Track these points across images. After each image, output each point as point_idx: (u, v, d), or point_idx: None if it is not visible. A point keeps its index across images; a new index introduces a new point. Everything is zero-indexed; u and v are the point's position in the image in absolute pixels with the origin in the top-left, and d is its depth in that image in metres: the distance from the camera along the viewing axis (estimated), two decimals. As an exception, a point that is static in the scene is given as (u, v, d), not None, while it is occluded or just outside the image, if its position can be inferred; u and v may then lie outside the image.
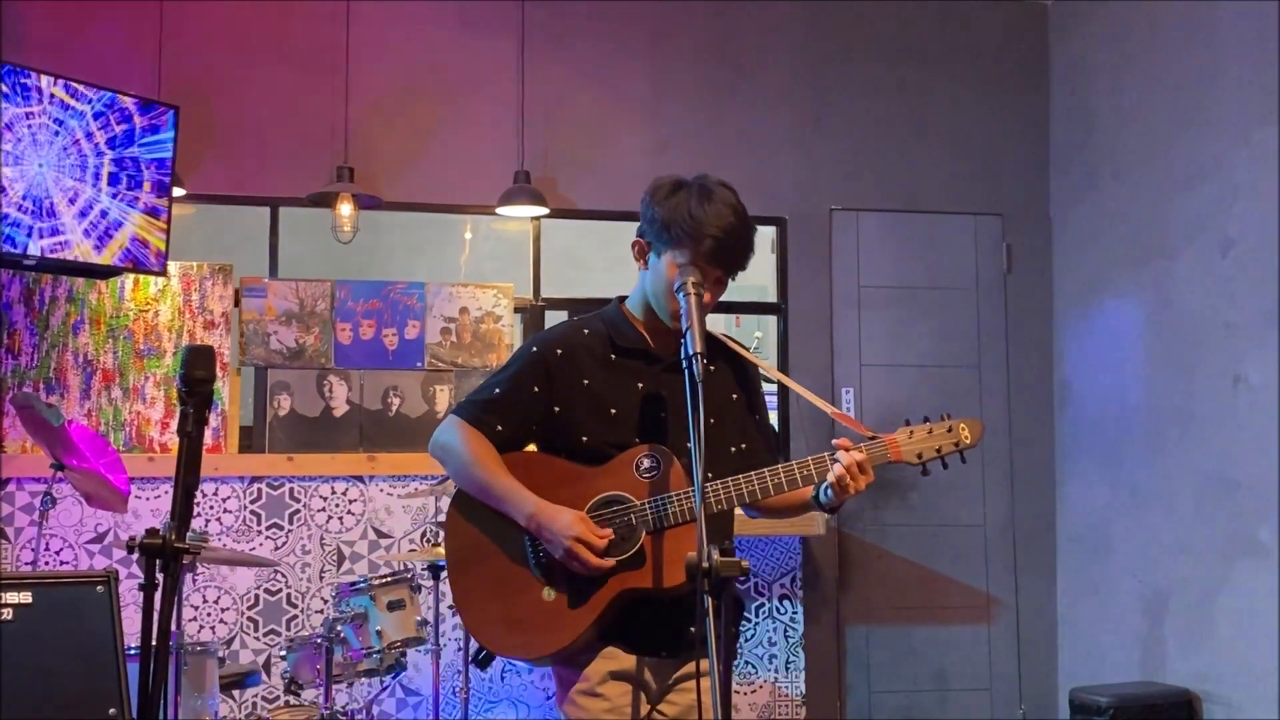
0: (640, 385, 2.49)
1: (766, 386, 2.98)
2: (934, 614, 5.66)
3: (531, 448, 2.55)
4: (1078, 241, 5.71)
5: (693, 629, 1.97)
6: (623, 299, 2.59)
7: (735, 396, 2.59)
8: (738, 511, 2.53)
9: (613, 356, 2.51)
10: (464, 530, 2.50)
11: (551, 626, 2.39)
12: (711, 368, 2.48)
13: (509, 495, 2.42)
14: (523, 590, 2.41)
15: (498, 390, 2.51)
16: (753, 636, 5.47)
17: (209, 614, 4.98)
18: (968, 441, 2.44)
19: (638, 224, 2.52)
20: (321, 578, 5.09)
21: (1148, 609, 5.13)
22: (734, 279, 2.50)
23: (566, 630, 2.38)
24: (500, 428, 2.48)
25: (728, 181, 2.48)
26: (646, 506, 2.38)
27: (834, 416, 2.51)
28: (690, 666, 2.45)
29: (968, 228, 5.85)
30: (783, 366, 5.58)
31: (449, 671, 4.98)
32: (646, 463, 2.40)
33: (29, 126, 4.33)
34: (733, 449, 2.54)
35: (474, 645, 2.52)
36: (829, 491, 2.38)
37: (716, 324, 2.57)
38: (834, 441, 2.38)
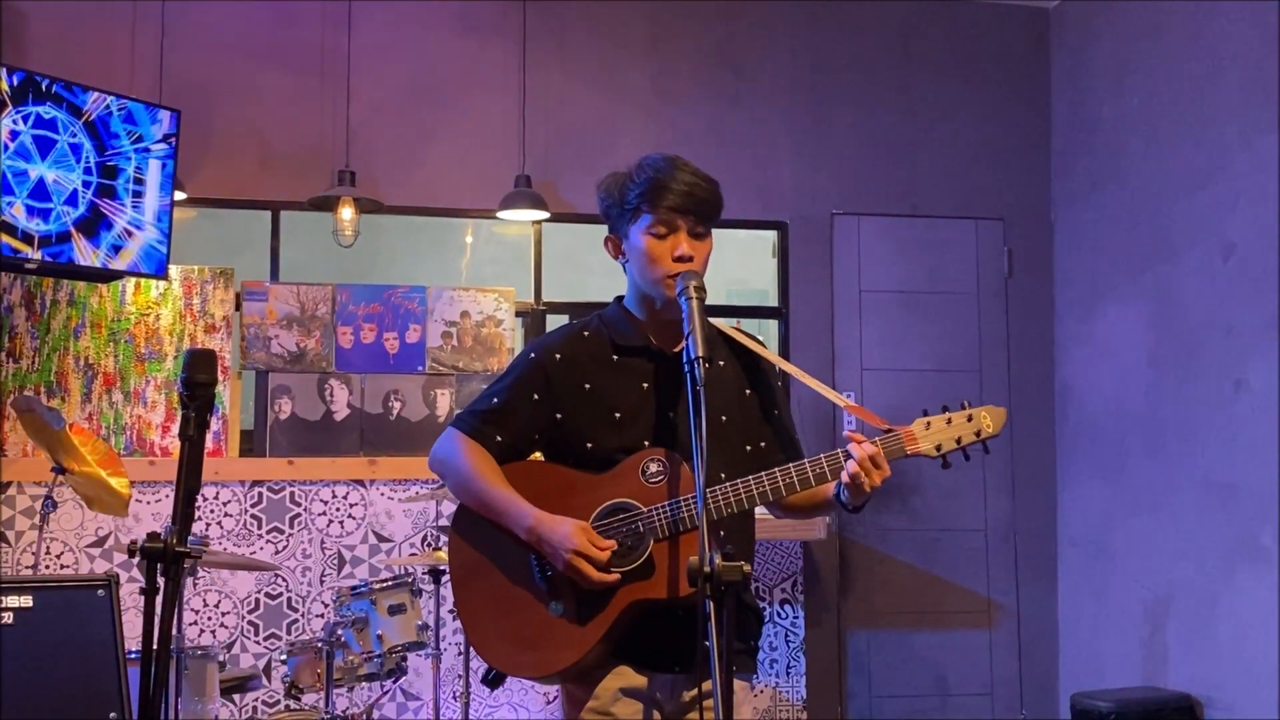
0: (646, 385, 2.41)
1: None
2: (935, 618, 5.65)
3: (536, 455, 2.48)
4: (1079, 246, 5.71)
5: (707, 642, 1.87)
6: (621, 298, 2.52)
7: (748, 393, 2.48)
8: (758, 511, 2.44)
9: (615, 357, 2.43)
10: (466, 546, 2.43)
11: (560, 643, 2.30)
12: (721, 363, 2.43)
13: (508, 508, 2.34)
14: (528, 606, 2.34)
15: (496, 400, 2.43)
16: (753, 641, 5.46)
17: (210, 618, 4.98)
18: (990, 430, 2.32)
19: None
20: (322, 582, 5.08)
21: (1149, 613, 5.12)
22: (710, 225, 2.39)
23: (575, 646, 2.30)
24: (500, 438, 2.41)
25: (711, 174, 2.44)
26: (655, 513, 2.29)
27: (848, 409, 2.43)
28: (706, 683, 2.33)
29: (969, 232, 5.85)
30: (784, 371, 5.57)
31: (449, 676, 4.98)
32: (653, 467, 2.32)
33: (30, 129, 4.33)
34: (748, 447, 2.45)
35: (484, 665, 2.45)
36: (847, 490, 2.28)
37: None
38: (846, 433, 2.31)
